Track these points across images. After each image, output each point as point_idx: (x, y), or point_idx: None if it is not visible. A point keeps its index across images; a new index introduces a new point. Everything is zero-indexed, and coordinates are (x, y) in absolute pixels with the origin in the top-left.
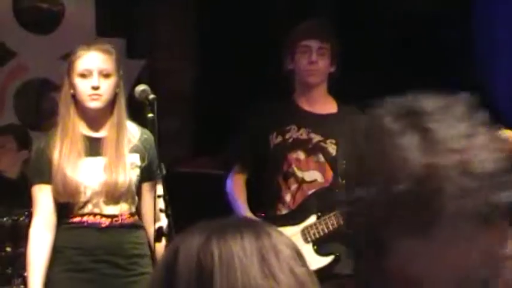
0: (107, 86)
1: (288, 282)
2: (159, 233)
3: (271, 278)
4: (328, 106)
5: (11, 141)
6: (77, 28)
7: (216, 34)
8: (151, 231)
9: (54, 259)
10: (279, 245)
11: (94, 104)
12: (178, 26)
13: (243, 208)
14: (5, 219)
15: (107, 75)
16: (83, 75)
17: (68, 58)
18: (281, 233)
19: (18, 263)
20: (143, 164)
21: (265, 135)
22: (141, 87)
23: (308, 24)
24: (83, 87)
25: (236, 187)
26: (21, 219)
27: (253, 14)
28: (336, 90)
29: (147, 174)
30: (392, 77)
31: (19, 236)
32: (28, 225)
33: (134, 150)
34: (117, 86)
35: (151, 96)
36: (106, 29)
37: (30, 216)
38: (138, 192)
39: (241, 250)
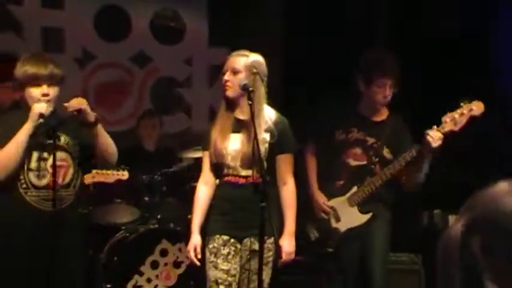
0: (234, 80)
1: None
2: (288, 192)
3: None
4: (382, 115)
5: (158, 122)
6: (194, 40)
7: (300, 24)
8: (281, 188)
9: (212, 208)
10: None
11: (226, 93)
12: (263, 17)
13: (312, 183)
14: (144, 177)
15: (235, 72)
16: (223, 74)
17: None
18: None
19: (153, 208)
20: (272, 141)
21: (333, 129)
22: (243, 82)
23: (384, 60)
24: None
25: (309, 165)
26: (155, 177)
27: (335, 7)
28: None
29: (277, 149)
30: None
31: (154, 189)
32: (160, 183)
33: (267, 130)
34: (245, 80)
35: (251, 88)
36: (215, 40)
37: (161, 176)
38: (271, 160)
39: None
